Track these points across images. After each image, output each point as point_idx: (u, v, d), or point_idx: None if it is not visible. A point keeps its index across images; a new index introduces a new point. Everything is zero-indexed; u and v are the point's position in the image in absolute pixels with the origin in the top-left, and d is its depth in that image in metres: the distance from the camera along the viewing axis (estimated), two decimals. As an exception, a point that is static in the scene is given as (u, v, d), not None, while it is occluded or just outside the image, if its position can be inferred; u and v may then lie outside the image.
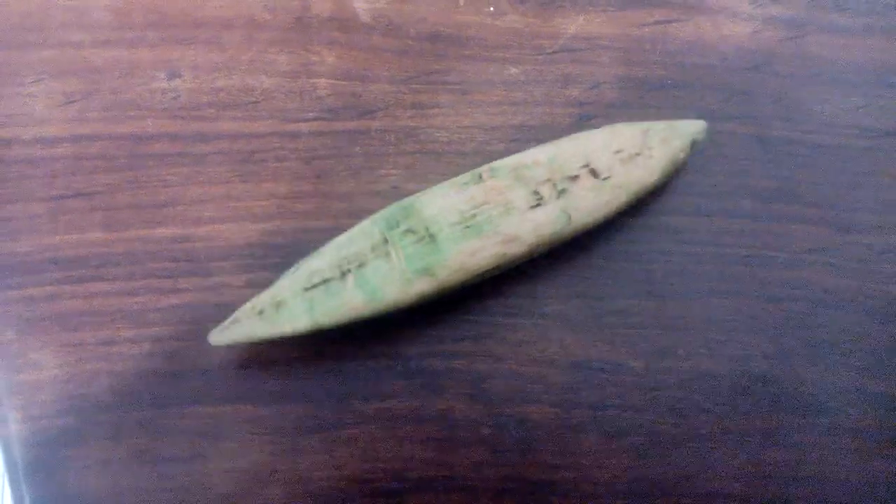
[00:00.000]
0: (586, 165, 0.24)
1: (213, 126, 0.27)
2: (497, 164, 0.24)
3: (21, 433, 0.24)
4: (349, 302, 0.23)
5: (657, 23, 0.29)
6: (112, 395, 0.25)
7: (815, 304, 0.26)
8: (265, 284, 0.24)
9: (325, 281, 0.23)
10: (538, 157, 0.24)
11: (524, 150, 0.25)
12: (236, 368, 0.25)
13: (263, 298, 0.23)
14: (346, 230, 0.24)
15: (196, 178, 0.27)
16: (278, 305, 0.23)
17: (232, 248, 0.26)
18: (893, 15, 0.30)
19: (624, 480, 0.25)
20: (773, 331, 0.26)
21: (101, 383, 0.25)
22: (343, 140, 0.27)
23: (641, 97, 0.28)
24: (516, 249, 0.24)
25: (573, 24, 0.29)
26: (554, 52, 0.29)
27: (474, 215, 0.23)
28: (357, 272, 0.23)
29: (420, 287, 0.23)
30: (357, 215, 0.26)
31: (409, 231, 0.23)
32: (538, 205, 0.24)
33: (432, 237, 0.23)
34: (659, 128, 0.25)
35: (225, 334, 0.23)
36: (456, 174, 0.25)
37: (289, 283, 0.23)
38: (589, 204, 0.24)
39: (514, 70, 0.28)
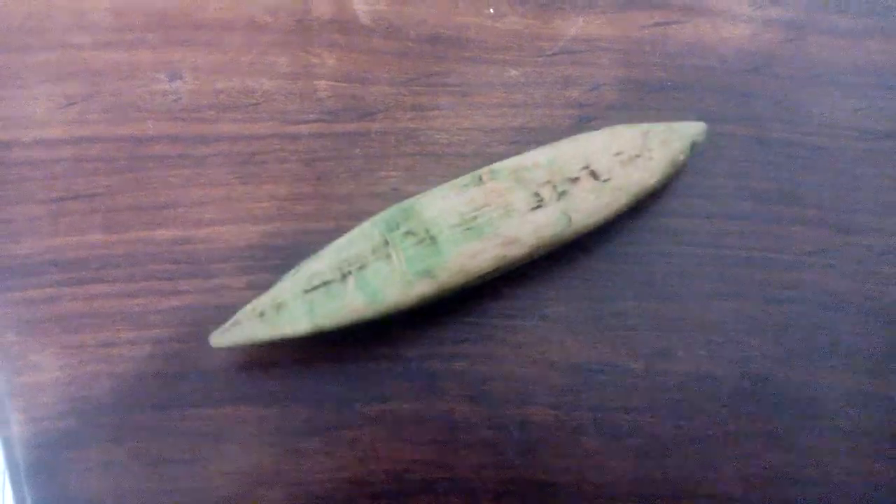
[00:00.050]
0: (586, 167, 0.24)
1: (214, 128, 0.27)
2: (497, 166, 0.24)
3: (23, 435, 0.24)
4: (350, 304, 0.23)
5: (657, 25, 0.29)
6: (113, 396, 0.25)
7: (814, 305, 0.26)
8: (266, 286, 0.24)
9: (326, 283, 0.23)
10: (538, 158, 0.24)
11: (524, 151, 0.25)
12: (237, 370, 0.25)
13: (264, 300, 0.23)
14: (346, 232, 0.24)
15: (196, 180, 0.27)
16: (279, 307, 0.23)
17: (232, 250, 0.26)
18: (893, 17, 0.30)
19: (624, 482, 0.25)
20: (773, 332, 0.26)
21: (102, 385, 0.25)
22: (343, 142, 0.27)
23: (641, 99, 0.28)
24: (517, 251, 0.24)
25: (573, 26, 0.29)
26: (554, 54, 0.29)
27: (475, 217, 0.24)
28: (357, 274, 0.23)
29: (420, 289, 0.23)
30: (357, 217, 0.26)
31: (410, 233, 0.23)
32: (538, 207, 0.24)
33: (433, 239, 0.23)
34: (659, 129, 0.25)
35: (226, 336, 0.23)
36: (456, 176, 0.25)
37: (289, 285, 0.23)
38: (589, 206, 0.24)
39: (513, 72, 0.28)
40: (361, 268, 0.23)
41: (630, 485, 0.25)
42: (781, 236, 0.27)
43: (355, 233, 0.24)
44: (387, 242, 0.23)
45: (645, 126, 0.25)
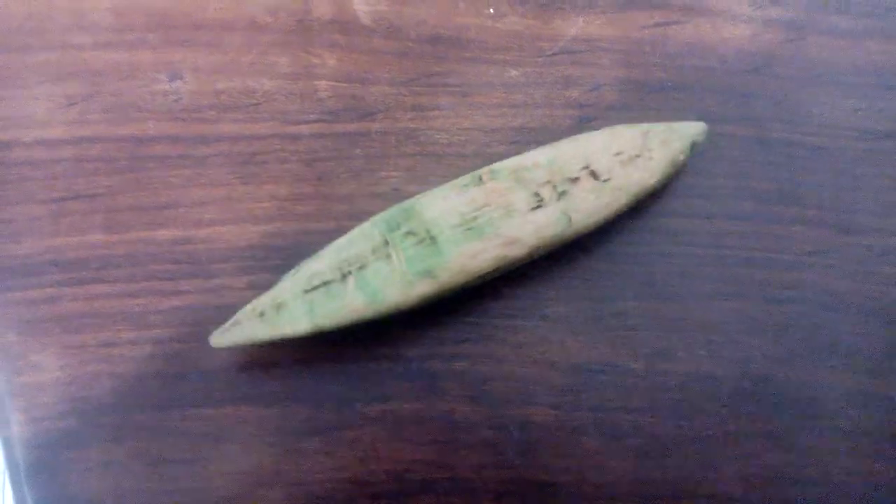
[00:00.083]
0: (586, 167, 0.24)
1: (214, 128, 0.27)
2: (497, 166, 0.24)
3: (23, 435, 0.24)
4: (350, 304, 0.23)
5: (657, 25, 0.29)
6: (113, 396, 0.25)
7: (815, 305, 0.26)
8: (266, 286, 0.24)
9: (326, 283, 0.23)
10: (538, 159, 0.24)
11: (524, 152, 0.25)
12: (237, 370, 0.25)
13: (264, 300, 0.23)
14: (346, 232, 0.24)
15: (197, 180, 0.27)
16: (279, 307, 0.23)
17: (233, 250, 0.26)
18: (893, 17, 0.30)
19: (624, 482, 0.25)
20: (773, 332, 0.26)
21: (103, 385, 0.25)
22: (344, 142, 0.27)
23: (641, 99, 0.28)
24: (517, 251, 0.24)
25: (573, 27, 0.29)
26: (554, 55, 0.29)
27: (475, 217, 0.24)
28: (358, 274, 0.23)
29: (421, 289, 0.23)
30: (358, 217, 0.26)
31: (410, 233, 0.23)
32: (539, 207, 0.24)
33: (433, 239, 0.23)
34: (659, 130, 0.25)
35: (226, 336, 0.23)
36: (456, 176, 0.25)
37: (290, 285, 0.23)
38: (589, 206, 0.24)
39: (514, 72, 0.28)
40: (362, 268, 0.23)
41: (630, 485, 0.25)
42: (782, 236, 0.27)
43: (355, 233, 0.24)
44: (387, 242, 0.23)
45: (645, 126, 0.25)
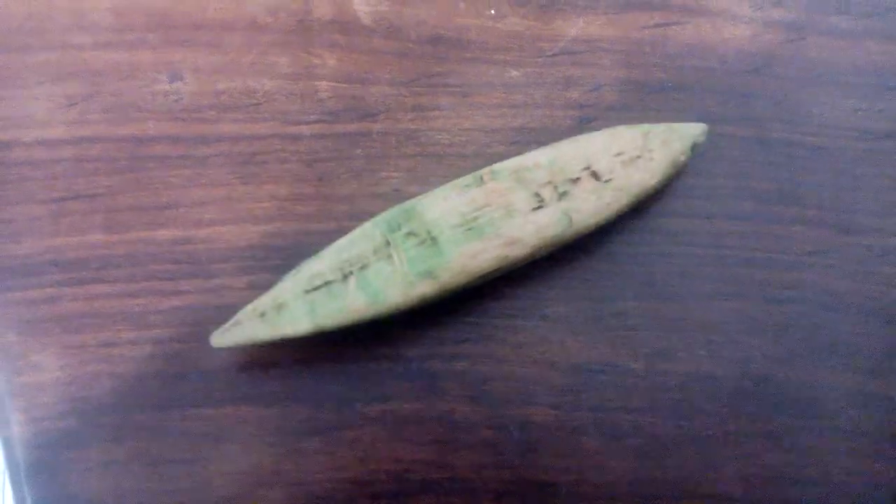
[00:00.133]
0: (587, 168, 0.24)
1: (215, 128, 0.27)
2: (498, 166, 0.24)
3: (23, 435, 0.24)
4: (351, 304, 0.23)
5: (657, 25, 0.29)
6: (114, 396, 0.25)
7: (815, 305, 0.26)
8: (266, 286, 0.24)
9: (327, 283, 0.23)
10: (539, 159, 0.25)
11: (525, 152, 0.25)
12: (238, 370, 0.25)
13: (265, 300, 0.23)
14: (347, 232, 0.24)
15: (197, 180, 0.27)
16: (280, 307, 0.23)
17: (233, 250, 0.26)
18: (893, 17, 0.30)
19: (624, 482, 0.25)
20: (773, 332, 0.26)
21: (103, 385, 0.25)
22: (344, 142, 0.27)
23: (642, 100, 0.28)
24: (518, 252, 0.24)
25: (573, 27, 0.29)
26: (554, 55, 0.29)
27: (476, 218, 0.24)
28: (359, 274, 0.23)
29: (422, 289, 0.23)
30: (358, 217, 0.26)
31: (411, 233, 0.23)
32: (539, 207, 0.24)
33: (434, 240, 0.23)
34: (659, 130, 0.25)
35: (226, 336, 0.23)
36: (457, 176, 0.25)
37: (290, 286, 0.23)
38: (590, 206, 0.24)
39: (514, 72, 0.28)
40: (363, 268, 0.23)
41: (630, 485, 0.25)
42: (782, 236, 0.27)
43: (356, 233, 0.24)
44: (388, 243, 0.23)
45: (645, 127, 0.25)
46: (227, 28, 0.28)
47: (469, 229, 0.23)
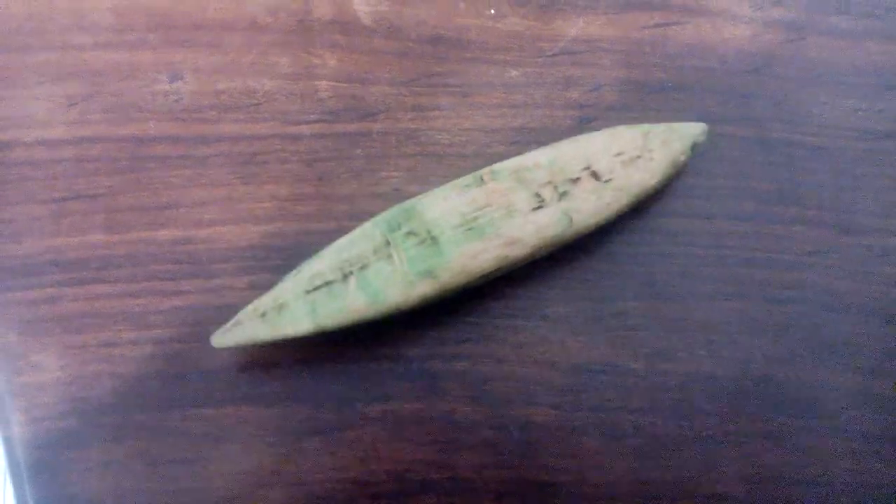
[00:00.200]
0: (587, 168, 0.24)
1: (215, 128, 0.27)
2: (498, 166, 0.25)
3: (24, 435, 0.24)
4: (351, 304, 0.23)
5: (657, 25, 0.29)
6: (114, 396, 0.25)
7: (815, 305, 0.26)
8: (267, 286, 0.24)
9: (327, 283, 0.23)
10: (539, 159, 0.25)
11: (525, 152, 0.25)
12: (238, 370, 0.25)
13: (265, 300, 0.23)
14: (347, 232, 0.24)
15: (198, 181, 0.27)
16: (280, 307, 0.23)
17: (234, 250, 0.26)
18: (893, 17, 0.30)
19: (625, 482, 0.25)
20: (773, 333, 0.26)
21: (104, 385, 0.25)
22: (344, 142, 0.27)
23: (642, 100, 0.28)
24: (518, 252, 0.24)
25: (573, 27, 0.29)
26: (554, 55, 0.29)
27: (476, 218, 0.24)
28: (359, 274, 0.23)
29: (422, 289, 0.23)
30: (358, 217, 0.26)
31: (411, 233, 0.23)
32: (539, 207, 0.24)
33: (434, 239, 0.23)
34: (659, 130, 0.25)
35: (227, 336, 0.23)
36: (457, 176, 0.25)
37: (291, 286, 0.23)
38: (590, 206, 0.24)
39: (514, 72, 0.28)
40: (363, 268, 0.23)
41: (630, 485, 0.25)
42: (782, 236, 0.27)
43: (357, 233, 0.24)
44: (388, 243, 0.23)
45: (645, 127, 0.25)
46: (227, 28, 0.28)
47: (469, 229, 0.23)
